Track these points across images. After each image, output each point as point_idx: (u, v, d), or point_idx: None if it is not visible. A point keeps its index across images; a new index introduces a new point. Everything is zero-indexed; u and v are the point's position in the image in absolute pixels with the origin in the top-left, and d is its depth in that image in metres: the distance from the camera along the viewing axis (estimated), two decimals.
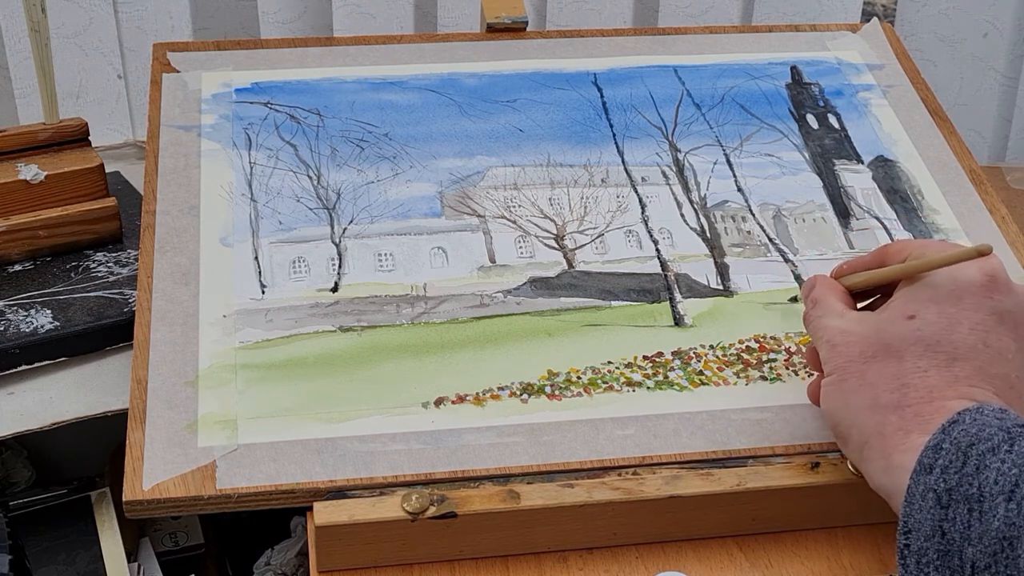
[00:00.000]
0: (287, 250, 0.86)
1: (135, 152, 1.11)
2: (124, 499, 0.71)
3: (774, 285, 0.86)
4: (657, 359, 0.80)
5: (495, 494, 0.71)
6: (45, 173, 0.91)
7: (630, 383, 0.78)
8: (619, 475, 0.73)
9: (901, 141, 0.98)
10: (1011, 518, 0.57)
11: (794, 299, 0.84)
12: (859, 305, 0.74)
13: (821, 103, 1.00)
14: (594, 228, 0.89)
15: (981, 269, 0.68)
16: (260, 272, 0.84)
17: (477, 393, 0.77)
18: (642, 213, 0.91)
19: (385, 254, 0.86)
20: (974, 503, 0.58)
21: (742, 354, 0.81)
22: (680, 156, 0.95)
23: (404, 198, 0.90)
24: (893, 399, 0.65)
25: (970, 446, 0.60)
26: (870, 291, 0.75)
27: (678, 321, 0.83)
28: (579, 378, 0.79)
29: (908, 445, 0.63)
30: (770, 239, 0.90)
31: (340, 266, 0.85)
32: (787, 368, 0.80)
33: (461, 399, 0.77)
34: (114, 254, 0.93)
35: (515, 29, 1.05)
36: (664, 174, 0.94)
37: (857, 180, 0.94)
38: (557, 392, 0.78)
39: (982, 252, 0.66)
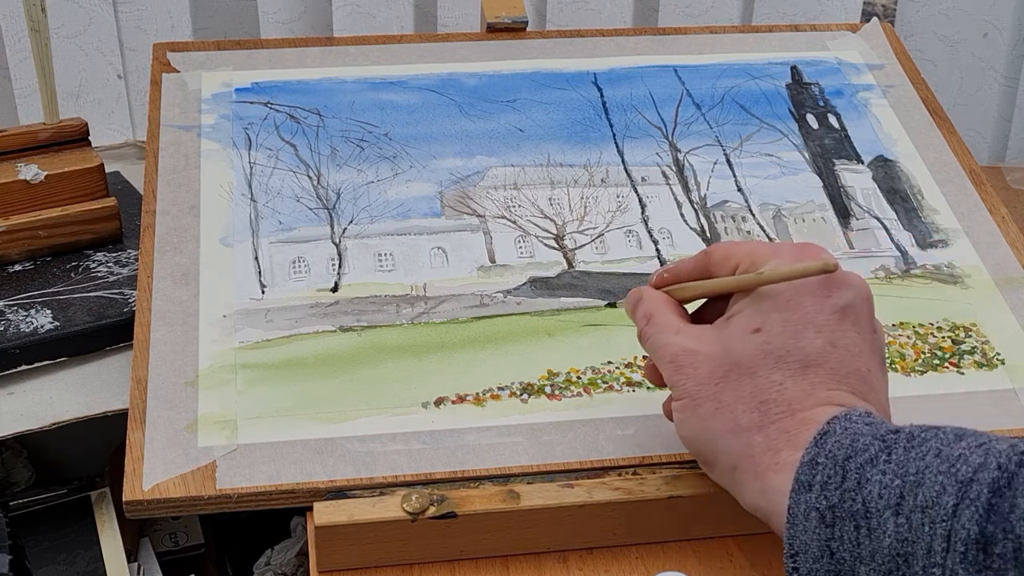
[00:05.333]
0: (287, 250, 0.86)
1: (135, 152, 1.11)
2: (124, 499, 0.71)
3: None
4: None
5: (495, 494, 0.71)
6: (45, 173, 0.91)
7: (630, 383, 0.78)
8: (619, 475, 0.73)
9: (901, 141, 0.98)
10: (902, 533, 0.55)
11: (612, 304, 0.82)
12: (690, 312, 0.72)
13: (821, 103, 1.00)
14: (594, 228, 0.89)
15: None
16: (260, 272, 0.84)
17: (477, 393, 0.77)
18: (642, 213, 0.91)
19: (385, 254, 0.86)
20: (861, 519, 0.57)
21: None
22: (680, 156, 0.95)
23: (404, 198, 0.90)
24: (754, 419, 0.63)
25: (847, 459, 0.58)
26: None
27: None
28: (579, 378, 0.79)
29: (780, 464, 0.62)
30: (770, 239, 0.90)
31: (340, 266, 0.85)
32: None
33: (461, 399, 0.77)
34: (114, 254, 0.93)
35: (515, 29, 1.05)
36: (664, 174, 0.94)
37: (857, 180, 0.94)
38: (557, 392, 0.78)
39: (827, 269, 0.64)
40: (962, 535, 0.53)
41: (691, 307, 0.72)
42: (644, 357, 0.80)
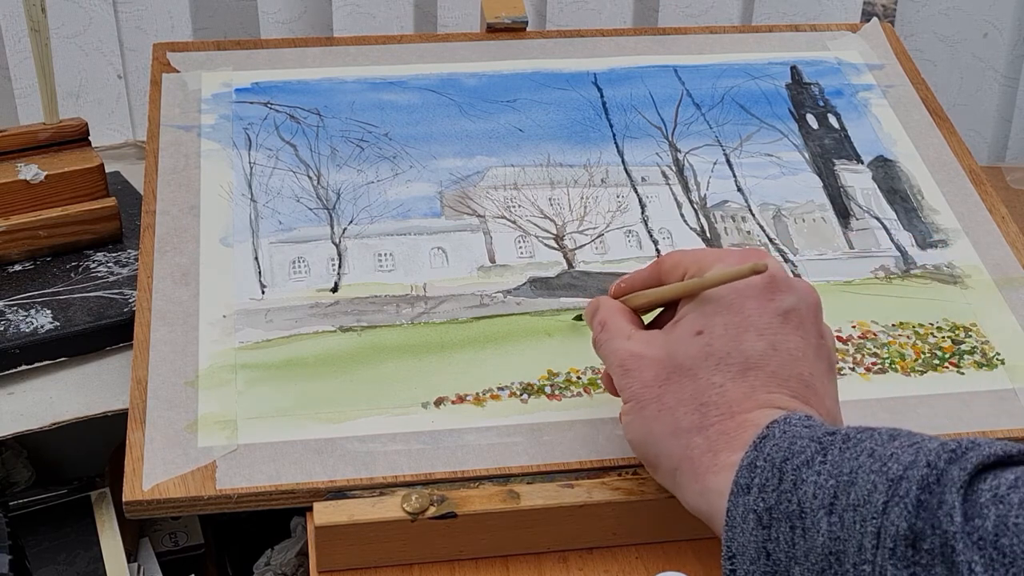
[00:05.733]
0: (287, 250, 0.86)
1: (135, 152, 1.11)
2: (124, 499, 0.71)
3: None
4: None
5: (495, 494, 0.71)
6: (45, 173, 0.91)
7: None
8: (619, 475, 0.73)
9: (901, 141, 0.98)
10: (835, 532, 0.56)
11: (578, 318, 0.82)
12: (646, 322, 0.72)
13: (821, 103, 1.00)
14: (594, 228, 0.89)
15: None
16: (260, 272, 0.84)
17: (477, 393, 0.77)
18: (642, 213, 0.91)
19: (385, 254, 0.86)
20: (796, 520, 0.57)
21: None
22: (680, 156, 0.95)
23: (404, 198, 0.90)
24: (694, 420, 0.64)
25: (784, 461, 0.59)
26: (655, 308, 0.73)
27: None
28: (579, 378, 0.79)
29: (719, 465, 0.62)
30: (770, 239, 0.90)
31: (340, 266, 0.85)
32: None
33: (461, 399, 0.77)
34: (114, 254, 0.93)
35: (515, 29, 1.05)
36: (664, 174, 0.94)
37: (857, 180, 0.94)
38: (557, 392, 0.78)
39: (757, 270, 0.65)
40: (891, 531, 0.54)
41: (652, 316, 0.73)
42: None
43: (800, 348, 0.65)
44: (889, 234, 0.90)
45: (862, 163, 0.96)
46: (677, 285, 0.69)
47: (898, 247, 0.89)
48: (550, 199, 0.91)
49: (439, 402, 0.77)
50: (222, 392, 0.76)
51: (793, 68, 1.04)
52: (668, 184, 0.93)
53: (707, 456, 0.63)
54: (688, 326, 0.66)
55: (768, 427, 0.61)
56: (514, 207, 0.90)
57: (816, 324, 0.67)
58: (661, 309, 0.73)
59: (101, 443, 0.91)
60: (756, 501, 0.59)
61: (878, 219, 0.91)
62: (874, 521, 0.54)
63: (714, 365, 0.64)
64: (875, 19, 1.10)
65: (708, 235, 0.89)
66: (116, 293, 0.89)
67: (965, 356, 0.82)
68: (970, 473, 0.54)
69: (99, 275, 0.91)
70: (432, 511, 0.70)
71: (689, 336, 0.66)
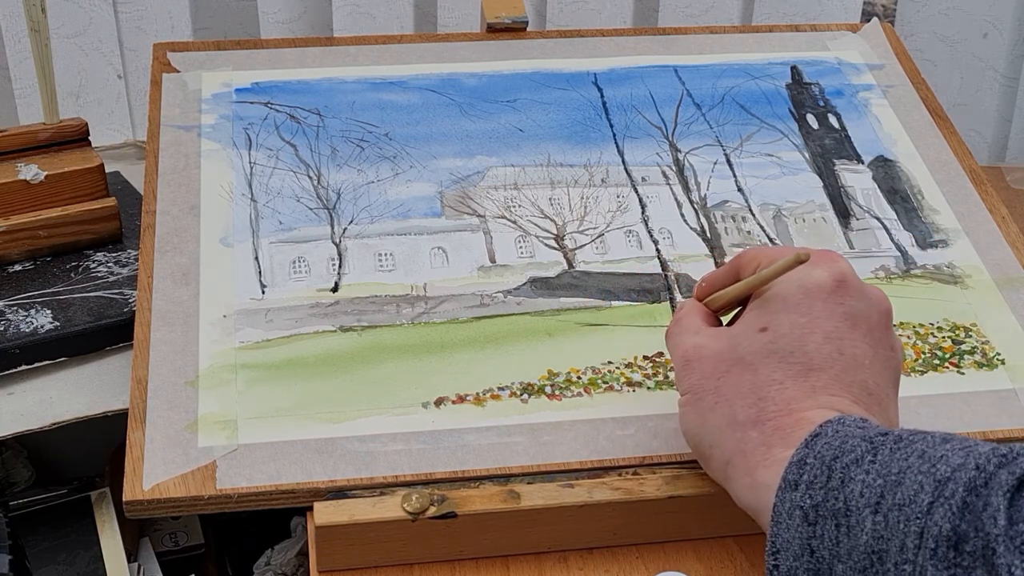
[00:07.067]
0: (287, 250, 0.86)
1: (135, 152, 1.11)
2: (124, 499, 0.71)
3: None
4: (657, 359, 0.80)
5: (495, 494, 0.71)
6: (45, 173, 0.91)
7: (630, 383, 0.78)
8: (619, 475, 0.73)
9: (901, 141, 0.98)
10: (879, 531, 0.55)
11: None
12: (725, 322, 0.72)
13: (821, 103, 1.00)
14: (594, 228, 0.89)
15: (830, 273, 0.66)
16: (260, 272, 0.84)
17: (477, 393, 0.77)
18: (642, 213, 0.91)
19: (385, 254, 0.86)
20: (841, 518, 0.57)
21: None
22: (680, 156, 0.95)
23: (404, 198, 0.90)
24: (751, 414, 0.64)
25: (834, 459, 0.59)
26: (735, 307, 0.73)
27: None
28: (579, 378, 0.79)
29: (771, 460, 0.62)
30: (770, 239, 0.90)
31: (340, 266, 0.85)
32: None
33: (461, 399, 0.77)
34: (114, 254, 0.93)
35: (515, 29, 1.05)
36: (664, 174, 0.94)
37: (857, 180, 0.94)
38: (557, 392, 0.78)
39: (800, 260, 0.65)
40: (934, 532, 0.53)
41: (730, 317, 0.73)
42: (646, 357, 0.80)
43: (867, 356, 0.65)
44: (889, 234, 0.90)
45: (862, 163, 0.96)
46: (740, 284, 0.69)
47: (898, 247, 0.89)
48: (550, 199, 0.91)
49: (439, 402, 0.77)
50: (222, 392, 0.76)
51: (793, 68, 1.04)
52: (668, 184, 0.93)
53: (760, 450, 0.63)
54: (752, 322, 0.67)
55: (821, 425, 0.61)
56: (514, 207, 0.90)
57: (886, 334, 0.67)
58: (739, 308, 0.72)
59: (101, 443, 0.91)
60: (803, 498, 0.58)
61: (878, 219, 0.91)
62: (918, 521, 0.54)
63: (776, 362, 0.64)
64: (875, 19, 1.10)
65: (708, 235, 0.89)
66: (116, 293, 0.89)
67: (965, 356, 0.82)
68: (1019, 478, 0.53)
69: (99, 275, 0.91)
70: (432, 511, 0.70)
71: (753, 332, 0.66)
